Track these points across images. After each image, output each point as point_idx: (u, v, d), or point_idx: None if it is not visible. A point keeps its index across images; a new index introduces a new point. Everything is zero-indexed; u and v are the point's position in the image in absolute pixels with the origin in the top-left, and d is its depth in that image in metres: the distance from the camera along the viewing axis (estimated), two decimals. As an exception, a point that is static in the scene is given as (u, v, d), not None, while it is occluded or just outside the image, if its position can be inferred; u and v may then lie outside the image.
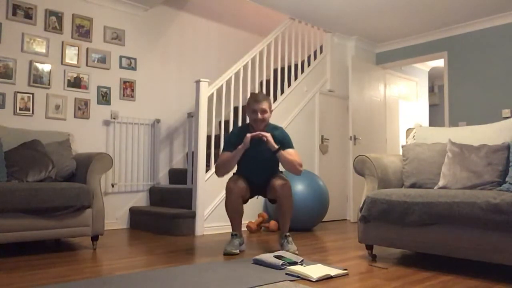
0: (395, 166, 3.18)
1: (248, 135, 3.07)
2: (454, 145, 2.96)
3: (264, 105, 3.12)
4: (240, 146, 3.07)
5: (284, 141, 3.17)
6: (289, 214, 3.18)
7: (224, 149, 3.21)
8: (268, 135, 3.08)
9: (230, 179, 3.16)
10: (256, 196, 3.40)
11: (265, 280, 2.23)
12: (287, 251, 2.97)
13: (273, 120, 4.38)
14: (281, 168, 3.24)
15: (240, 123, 4.56)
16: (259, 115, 3.11)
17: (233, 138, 3.20)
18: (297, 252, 3.04)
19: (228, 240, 3.19)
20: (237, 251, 3.06)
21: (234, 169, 3.29)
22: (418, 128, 3.57)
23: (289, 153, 3.11)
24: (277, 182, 3.11)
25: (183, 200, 4.26)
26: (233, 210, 3.12)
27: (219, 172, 3.20)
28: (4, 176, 3.04)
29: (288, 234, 3.17)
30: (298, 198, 4.21)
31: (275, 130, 3.22)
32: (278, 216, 3.25)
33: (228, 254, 3.01)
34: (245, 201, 3.25)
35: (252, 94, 3.25)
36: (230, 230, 3.20)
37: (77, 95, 4.29)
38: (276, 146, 3.07)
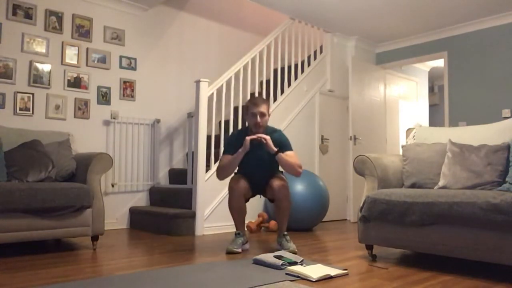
0: (395, 166, 3.18)
1: (248, 138, 3.09)
2: (454, 145, 2.96)
3: (263, 108, 3.15)
4: (240, 150, 3.10)
5: (283, 144, 3.20)
6: (287, 214, 3.20)
7: (224, 152, 3.24)
8: (267, 137, 3.09)
9: (232, 178, 3.20)
10: (259, 196, 3.42)
11: (265, 280, 2.23)
12: (287, 249, 3.00)
13: (273, 120, 4.40)
14: (281, 168, 3.25)
15: (240, 123, 4.57)
16: (258, 119, 3.13)
17: (233, 141, 3.23)
18: (296, 250, 3.05)
19: (231, 239, 3.19)
20: (240, 250, 3.08)
21: (236, 170, 3.31)
22: (418, 128, 3.57)
23: (288, 155, 3.14)
24: (276, 182, 3.14)
25: (183, 200, 4.25)
26: (236, 209, 3.15)
27: (220, 175, 3.22)
28: (4, 176, 3.04)
29: (286, 233, 3.20)
30: (298, 198, 4.21)
31: (274, 133, 3.24)
32: (276, 215, 3.27)
33: (230, 253, 3.03)
34: (247, 200, 3.27)
35: (251, 98, 3.28)
36: (230, 230, 3.21)
37: (77, 95, 4.29)
38: (275, 149, 3.09)
